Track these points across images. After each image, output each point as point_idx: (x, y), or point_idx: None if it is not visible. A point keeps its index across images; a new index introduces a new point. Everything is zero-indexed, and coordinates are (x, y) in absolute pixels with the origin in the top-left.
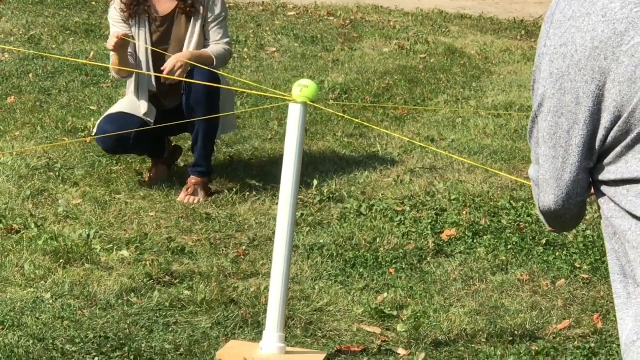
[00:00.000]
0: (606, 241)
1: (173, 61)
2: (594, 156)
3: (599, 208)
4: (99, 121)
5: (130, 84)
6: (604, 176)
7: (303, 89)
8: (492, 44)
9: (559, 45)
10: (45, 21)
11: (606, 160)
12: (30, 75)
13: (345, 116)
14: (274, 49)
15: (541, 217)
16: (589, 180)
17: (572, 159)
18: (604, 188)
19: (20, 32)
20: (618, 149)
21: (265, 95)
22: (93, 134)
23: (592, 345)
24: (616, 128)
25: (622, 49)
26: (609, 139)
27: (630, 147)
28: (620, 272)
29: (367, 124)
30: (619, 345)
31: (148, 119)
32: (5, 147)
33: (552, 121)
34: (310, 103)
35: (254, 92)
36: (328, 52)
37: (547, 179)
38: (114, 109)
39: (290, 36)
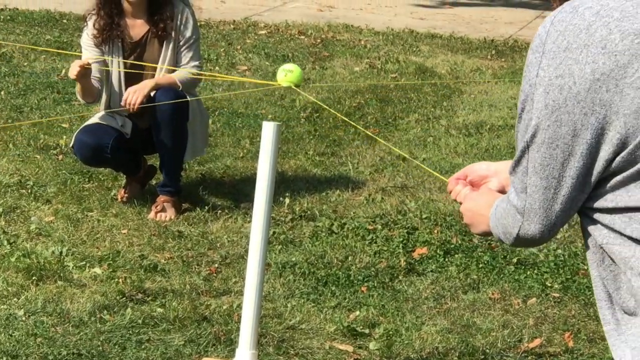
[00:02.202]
0: (592, 269)
1: (129, 94)
2: (588, 188)
3: (586, 236)
4: (75, 133)
5: (102, 106)
6: (599, 204)
7: (287, 73)
8: (463, 63)
9: (554, 77)
10: (16, 39)
11: (603, 189)
12: (2, 92)
13: (354, 123)
14: (245, 68)
15: (506, 237)
16: (575, 211)
17: (564, 190)
18: (597, 215)
19: None
20: (619, 178)
21: (246, 82)
22: (70, 146)
23: None
24: (619, 159)
25: (626, 81)
26: (611, 169)
27: (635, 179)
28: (607, 299)
29: (377, 138)
30: None
31: (125, 131)
32: None
33: (546, 153)
34: (295, 88)
35: (238, 78)
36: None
37: (536, 209)
38: (90, 121)
39: (262, 55)
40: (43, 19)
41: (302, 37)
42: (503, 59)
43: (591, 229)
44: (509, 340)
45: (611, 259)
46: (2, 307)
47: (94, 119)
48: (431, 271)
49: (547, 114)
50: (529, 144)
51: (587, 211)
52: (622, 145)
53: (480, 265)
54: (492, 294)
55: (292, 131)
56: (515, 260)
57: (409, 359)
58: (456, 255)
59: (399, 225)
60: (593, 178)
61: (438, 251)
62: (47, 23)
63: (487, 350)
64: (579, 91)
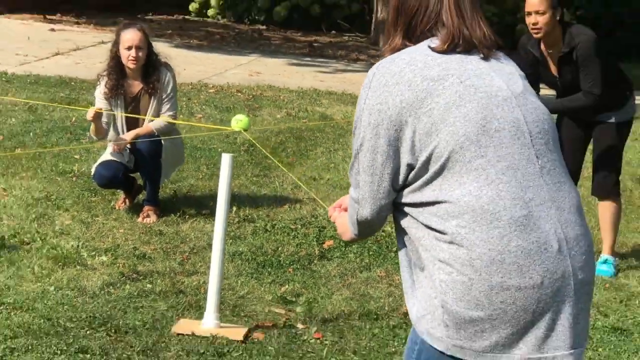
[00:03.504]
0: (398, 242)
1: (117, 141)
2: (399, 183)
3: (395, 220)
4: (95, 165)
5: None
6: (406, 199)
7: (238, 122)
8: (352, 111)
9: (375, 104)
10: (39, 96)
11: (408, 189)
12: (31, 134)
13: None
14: (200, 115)
15: (354, 229)
16: (393, 198)
17: (385, 183)
18: (401, 206)
19: (22, 104)
20: (418, 183)
21: (213, 128)
22: (92, 175)
23: None
24: (416, 169)
25: (422, 110)
26: (410, 176)
27: (426, 183)
28: (408, 264)
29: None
30: None
31: (130, 165)
32: (15, 185)
33: (370, 157)
34: (243, 132)
35: (202, 124)
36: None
37: (366, 197)
38: (105, 157)
39: (212, 106)
40: (57, 82)
41: (239, 94)
42: None
43: (398, 215)
44: (393, 305)
45: (410, 236)
46: (38, 284)
47: (109, 156)
48: (337, 257)
49: (370, 130)
50: (358, 151)
51: (397, 205)
52: (414, 157)
53: (371, 252)
54: (380, 272)
55: (235, 160)
56: (394, 248)
57: (324, 318)
58: (354, 246)
59: (313, 225)
60: (401, 177)
61: (341, 243)
62: (60, 84)
63: (378, 312)
64: (391, 114)
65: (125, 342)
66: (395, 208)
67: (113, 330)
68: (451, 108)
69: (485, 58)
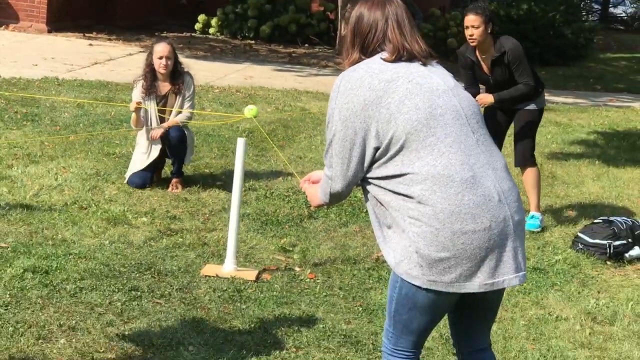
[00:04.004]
0: (369, 208)
1: (154, 132)
2: (365, 165)
3: (364, 192)
4: (128, 175)
5: (143, 133)
6: (373, 174)
7: (249, 110)
8: (325, 105)
9: (344, 103)
10: (84, 96)
11: (375, 166)
12: (80, 124)
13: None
14: (210, 110)
15: (325, 198)
16: (359, 177)
17: (352, 164)
18: (371, 180)
19: (72, 102)
20: (382, 160)
21: (227, 115)
22: (125, 182)
23: None
24: (380, 150)
25: (381, 104)
26: (376, 156)
27: (389, 159)
28: (378, 224)
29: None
30: None
31: (156, 156)
32: (72, 164)
33: (341, 144)
34: (253, 118)
35: (217, 113)
36: (238, 111)
37: (338, 175)
38: (136, 167)
39: (217, 102)
40: (98, 84)
41: (238, 93)
42: None
43: (366, 186)
44: (366, 252)
45: (379, 201)
46: (96, 239)
47: (139, 165)
48: (321, 216)
49: (340, 123)
50: (332, 140)
51: (366, 178)
52: (380, 142)
53: (347, 213)
54: (355, 228)
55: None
56: (365, 209)
57: (315, 263)
58: (334, 208)
59: (302, 192)
60: (367, 158)
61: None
62: (100, 86)
63: (355, 258)
64: (356, 110)
65: (166, 282)
66: (364, 181)
67: (156, 273)
68: (404, 101)
69: (424, 64)
